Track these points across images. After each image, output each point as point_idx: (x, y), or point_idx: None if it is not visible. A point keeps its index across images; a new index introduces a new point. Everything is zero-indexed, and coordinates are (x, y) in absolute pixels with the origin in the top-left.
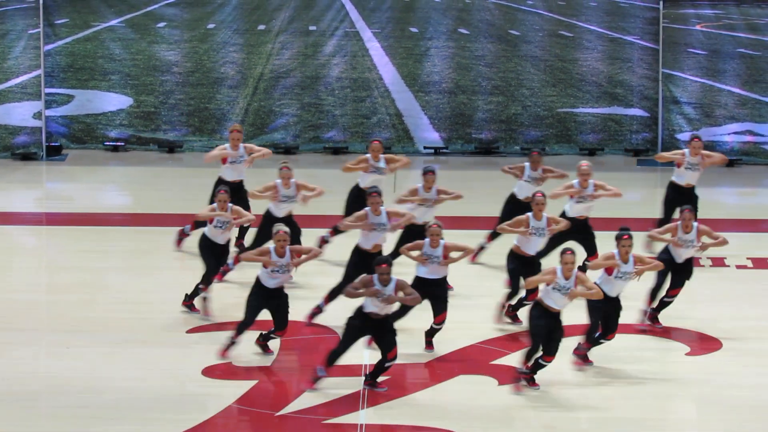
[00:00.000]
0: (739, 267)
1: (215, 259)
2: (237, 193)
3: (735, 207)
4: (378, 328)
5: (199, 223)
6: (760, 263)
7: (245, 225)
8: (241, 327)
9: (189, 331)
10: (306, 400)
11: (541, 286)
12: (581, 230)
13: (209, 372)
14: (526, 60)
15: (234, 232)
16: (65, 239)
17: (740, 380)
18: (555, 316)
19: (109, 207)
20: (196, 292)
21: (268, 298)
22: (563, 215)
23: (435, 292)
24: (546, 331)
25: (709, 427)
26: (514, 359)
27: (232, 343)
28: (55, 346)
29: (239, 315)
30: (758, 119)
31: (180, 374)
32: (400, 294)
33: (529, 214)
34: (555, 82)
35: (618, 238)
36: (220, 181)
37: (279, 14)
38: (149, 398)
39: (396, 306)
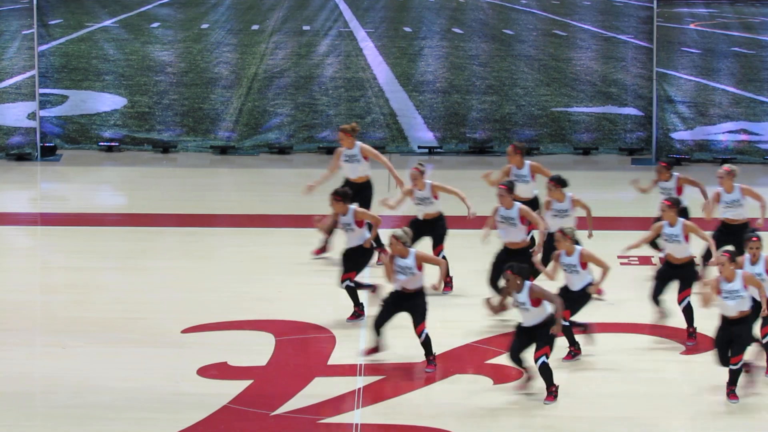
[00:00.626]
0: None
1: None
2: (361, 192)
3: None
4: (529, 335)
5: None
6: None
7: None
8: (375, 324)
9: (184, 331)
10: (301, 400)
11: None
12: (738, 235)
13: (204, 372)
14: (519, 59)
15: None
16: (60, 239)
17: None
18: (733, 322)
19: (103, 207)
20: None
21: (398, 300)
22: (723, 225)
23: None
24: (726, 341)
25: (700, 426)
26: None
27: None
28: (49, 346)
29: (236, 316)
30: (753, 118)
31: (175, 374)
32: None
33: (664, 222)
34: (549, 81)
35: (746, 240)
36: (347, 182)
37: (272, 14)
38: (144, 398)
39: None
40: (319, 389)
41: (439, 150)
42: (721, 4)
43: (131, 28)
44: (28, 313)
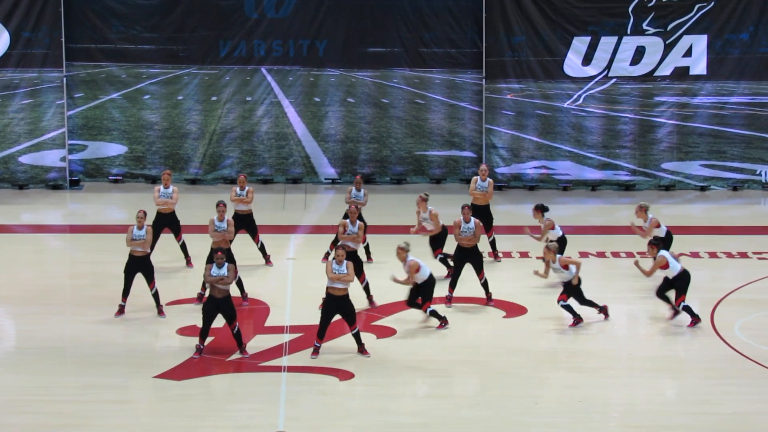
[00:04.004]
0: (538, 258)
1: None
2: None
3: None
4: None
5: None
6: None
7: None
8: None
9: (168, 304)
10: (247, 350)
11: None
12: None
13: (181, 332)
14: (393, 119)
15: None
16: (82, 242)
17: (543, 333)
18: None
19: (112, 220)
20: None
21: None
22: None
23: None
24: None
25: (517, 362)
26: (387, 321)
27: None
28: (75, 315)
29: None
30: (550, 158)
31: (161, 334)
32: None
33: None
34: (413, 134)
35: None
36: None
37: (226, 89)
38: (142, 349)
39: None
40: (259, 343)
41: (338, 181)
42: (528, 81)
43: (130, 99)
44: (60, 292)
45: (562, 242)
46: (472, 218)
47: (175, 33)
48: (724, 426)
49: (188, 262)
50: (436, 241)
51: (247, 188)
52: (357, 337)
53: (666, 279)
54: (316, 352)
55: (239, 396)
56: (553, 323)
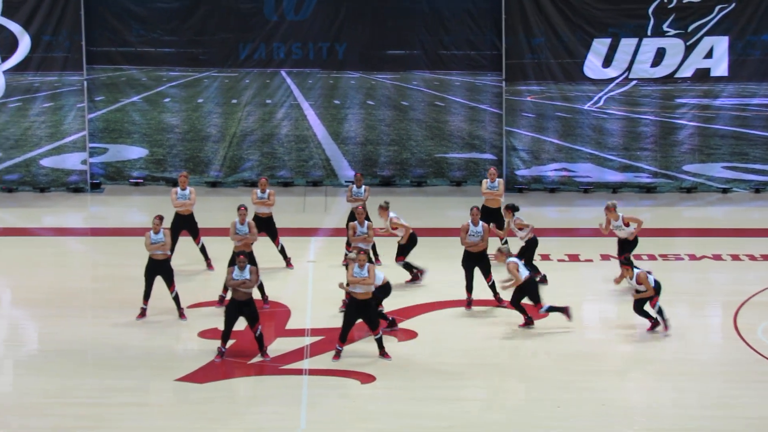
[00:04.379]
0: (560, 260)
1: None
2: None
3: (556, 220)
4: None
5: None
6: (573, 257)
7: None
8: None
9: (189, 307)
10: (268, 353)
11: None
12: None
13: (202, 334)
14: (412, 121)
15: None
16: (103, 245)
17: (564, 336)
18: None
19: (132, 223)
20: None
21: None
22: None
23: None
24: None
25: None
26: (408, 324)
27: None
28: (95, 318)
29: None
30: (570, 160)
31: (182, 337)
32: None
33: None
34: (432, 136)
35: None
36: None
37: (246, 92)
38: (163, 352)
39: None
40: (280, 346)
41: None
42: (548, 83)
43: (151, 102)
44: (81, 295)
45: (532, 244)
46: (481, 222)
47: (195, 36)
48: (749, 430)
49: (209, 265)
50: (402, 248)
51: (268, 191)
52: (379, 341)
53: (637, 291)
54: (337, 355)
55: (261, 399)
56: (573, 326)
